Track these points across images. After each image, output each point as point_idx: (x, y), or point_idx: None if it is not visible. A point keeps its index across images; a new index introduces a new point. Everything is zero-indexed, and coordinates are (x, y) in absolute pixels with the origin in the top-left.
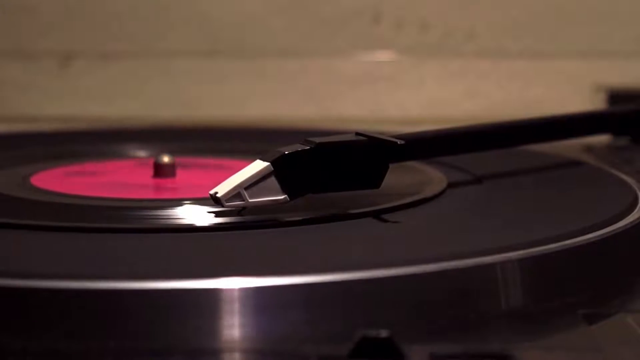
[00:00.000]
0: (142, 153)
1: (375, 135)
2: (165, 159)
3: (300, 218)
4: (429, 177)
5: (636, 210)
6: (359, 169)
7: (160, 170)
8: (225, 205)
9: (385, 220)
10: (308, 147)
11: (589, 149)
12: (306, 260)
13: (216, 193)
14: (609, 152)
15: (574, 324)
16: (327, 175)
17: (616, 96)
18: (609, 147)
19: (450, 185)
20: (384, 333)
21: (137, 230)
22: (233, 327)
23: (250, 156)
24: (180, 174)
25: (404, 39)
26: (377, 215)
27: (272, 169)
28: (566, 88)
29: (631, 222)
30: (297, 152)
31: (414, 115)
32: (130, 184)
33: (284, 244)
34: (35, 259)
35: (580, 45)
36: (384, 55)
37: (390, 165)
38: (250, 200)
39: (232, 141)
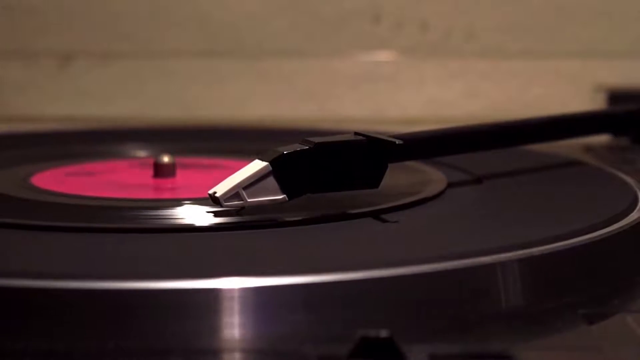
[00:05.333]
0: (142, 153)
1: (374, 135)
2: (165, 159)
3: (300, 218)
4: (429, 177)
5: (636, 210)
6: (357, 169)
7: (160, 170)
8: (224, 205)
9: (385, 220)
10: (307, 147)
11: (589, 149)
12: (306, 260)
13: (215, 193)
14: (609, 152)
15: (574, 324)
16: (326, 175)
17: (616, 96)
18: (609, 147)
19: (450, 185)
20: (384, 333)
21: (137, 230)
22: (233, 327)
23: (250, 156)
24: (180, 174)
25: (404, 39)
26: (377, 215)
27: (271, 168)
28: (566, 88)
29: (631, 222)
30: (296, 152)
31: (414, 115)
32: (130, 184)
33: (284, 244)
34: (35, 259)
35: (580, 45)
36: (384, 55)
37: (390, 165)
38: (249, 200)
39: (232, 141)
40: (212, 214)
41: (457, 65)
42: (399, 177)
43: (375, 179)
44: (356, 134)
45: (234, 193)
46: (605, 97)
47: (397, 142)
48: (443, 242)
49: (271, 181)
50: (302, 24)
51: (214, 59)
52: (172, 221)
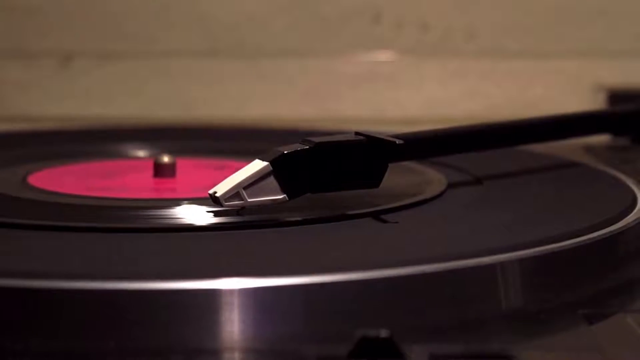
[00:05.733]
0: (142, 153)
1: (374, 135)
2: (165, 159)
3: (300, 218)
4: (429, 177)
5: (636, 210)
6: (358, 169)
7: (160, 170)
8: (225, 204)
9: (385, 221)
10: (307, 147)
11: (589, 149)
12: (306, 260)
13: (215, 193)
14: (609, 152)
15: (574, 324)
16: (326, 175)
17: (616, 96)
18: (609, 147)
19: (450, 186)
20: (384, 333)
21: (137, 230)
22: (233, 327)
23: (250, 156)
24: (180, 174)
25: (404, 39)
26: (377, 215)
27: (271, 168)
28: (566, 88)
29: (630, 222)
30: (296, 151)
31: (414, 115)
32: (130, 183)
33: (284, 244)
34: (35, 259)
35: (580, 45)
36: (384, 55)
37: (390, 165)
38: (249, 200)
39: (232, 141)
40: (213, 214)
41: (457, 65)
42: (399, 178)
43: (375, 179)
44: (356, 133)
45: (234, 193)
46: (605, 97)
47: (397, 142)
48: (443, 243)
49: (271, 181)
50: (302, 24)
51: (214, 59)
52: (172, 221)
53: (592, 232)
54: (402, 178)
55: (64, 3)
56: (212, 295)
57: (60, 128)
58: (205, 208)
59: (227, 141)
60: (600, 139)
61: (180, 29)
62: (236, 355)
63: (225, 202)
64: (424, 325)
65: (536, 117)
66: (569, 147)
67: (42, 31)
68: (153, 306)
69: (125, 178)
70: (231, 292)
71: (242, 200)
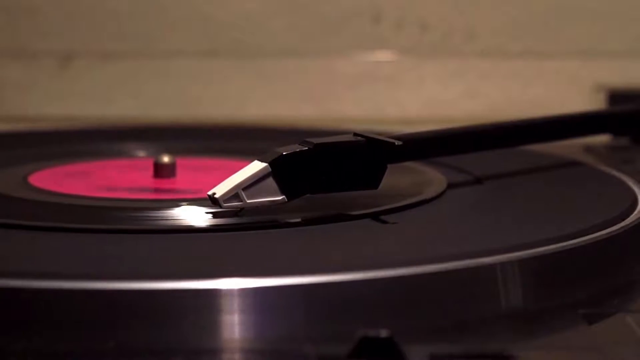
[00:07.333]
0: (142, 153)
1: (373, 136)
2: (165, 159)
3: (299, 219)
4: (429, 177)
5: (636, 211)
6: (357, 170)
7: (160, 170)
8: (224, 206)
9: (385, 221)
10: (306, 148)
11: (589, 149)
12: (306, 260)
13: (214, 194)
14: (609, 152)
15: (574, 324)
16: (325, 175)
17: (616, 96)
18: (609, 147)
19: (450, 186)
20: (384, 333)
21: (137, 231)
22: (233, 327)
23: (250, 156)
24: (180, 174)
25: (404, 39)
26: (377, 216)
27: (270, 169)
28: (566, 88)
29: (631, 223)
30: (295, 152)
31: (414, 115)
32: (130, 184)
33: (283, 245)
34: (35, 259)
35: (580, 45)
36: (384, 55)
37: (389, 166)
38: (248, 201)
39: (232, 141)
40: (212, 215)
41: (457, 65)
42: (399, 178)
43: (374, 180)
44: (355, 134)
45: (233, 194)
46: (605, 97)
47: (396, 143)
48: (443, 243)
49: (270, 182)
50: (302, 24)
51: (213, 59)
52: (172, 222)
53: (592, 232)
54: (402, 178)
55: (64, 3)
56: (212, 295)
57: (60, 128)
58: (204, 209)
59: (227, 141)
60: (600, 139)
61: (180, 29)
62: (236, 355)
63: (224, 203)
64: (424, 325)
65: (536, 117)
66: (569, 147)
67: (42, 31)
68: (153, 306)
69: (125, 178)
70: (231, 292)
71: (241, 201)
